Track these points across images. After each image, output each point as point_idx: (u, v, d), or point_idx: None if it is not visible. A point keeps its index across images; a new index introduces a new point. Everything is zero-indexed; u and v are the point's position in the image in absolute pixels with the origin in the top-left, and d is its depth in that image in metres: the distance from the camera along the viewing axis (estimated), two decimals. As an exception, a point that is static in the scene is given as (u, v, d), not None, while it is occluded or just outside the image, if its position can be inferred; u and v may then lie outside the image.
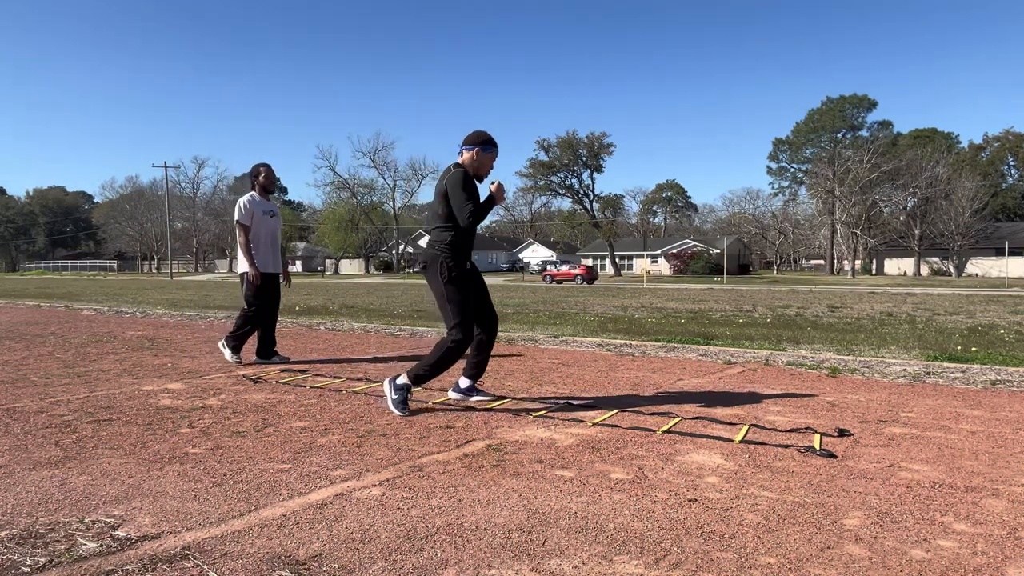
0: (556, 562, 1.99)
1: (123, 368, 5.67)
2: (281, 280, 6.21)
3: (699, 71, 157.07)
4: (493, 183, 3.94)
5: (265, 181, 6.02)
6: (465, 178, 3.83)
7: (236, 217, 5.82)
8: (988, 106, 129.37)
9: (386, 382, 4.00)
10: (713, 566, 1.96)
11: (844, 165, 56.46)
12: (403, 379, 3.93)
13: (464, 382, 4.24)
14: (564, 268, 46.66)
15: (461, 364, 4.37)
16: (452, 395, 4.30)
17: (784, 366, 5.81)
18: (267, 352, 6.02)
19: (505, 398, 4.38)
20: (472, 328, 3.96)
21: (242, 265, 5.85)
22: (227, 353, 5.94)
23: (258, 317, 5.92)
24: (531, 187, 67.56)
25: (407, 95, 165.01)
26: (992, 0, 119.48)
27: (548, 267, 51.21)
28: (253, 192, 5.99)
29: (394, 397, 3.89)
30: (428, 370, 3.92)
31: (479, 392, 4.31)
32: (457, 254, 3.93)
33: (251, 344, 6.25)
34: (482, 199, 3.95)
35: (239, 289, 5.93)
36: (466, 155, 3.98)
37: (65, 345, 7.30)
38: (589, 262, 68.75)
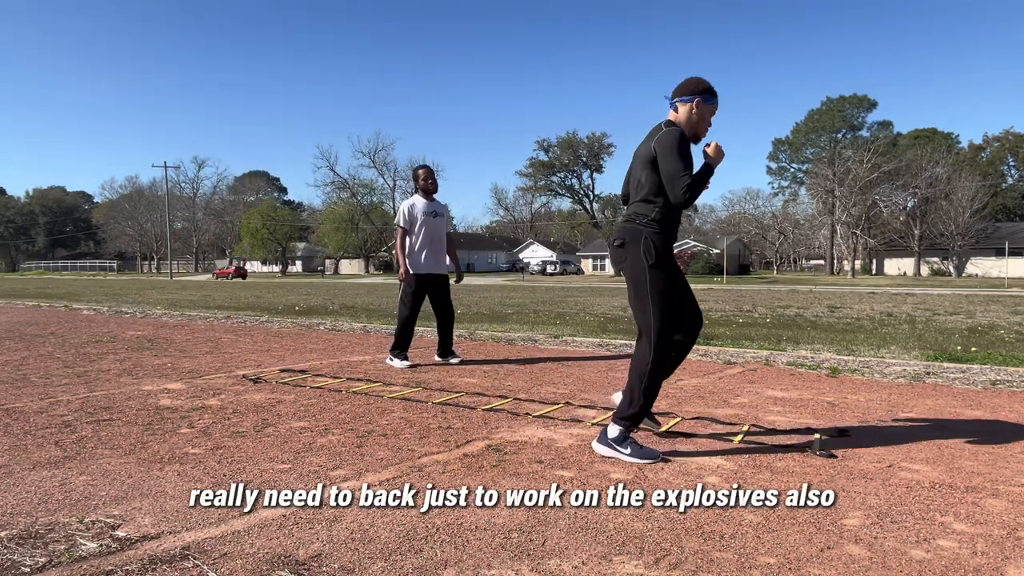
0: (556, 562, 1.99)
1: (123, 368, 5.67)
2: (452, 280, 6.24)
3: (699, 71, 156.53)
4: (709, 144, 3.10)
5: (424, 183, 5.93)
6: (681, 140, 2.99)
7: (396, 219, 5.91)
8: (988, 106, 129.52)
9: (597, 444, 3.12)
10: (713, 566, 1.96)
11: (844, 165, 56.48)
12: (615, 431, 3.04)
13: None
14: (223, 267, 46.77)
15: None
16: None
17: (784, 366, 5.81)
18: (445, 351, 6.03)
19: (507, 398, 4.38)
20: (672, 332, 3.12)
21: (400, 269, 5.88)
22: (396, 363, 5.80)
23: (411, 319, 5.86)
24: (531, 187, 67.59)
25: (407, 95, 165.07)
26: (992, 0, 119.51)
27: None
28: (416, 195, 5.97)
29: (627, 452, 2.99)
30: (642, 403, 3.02)
31: (649, 418, 3.41)
32: (665, 232, 3.10)
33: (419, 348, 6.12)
34: (695, 169, 3.07)
35: (397, 290, 5.97)
36: (682, 109, 3.12)
37: (65, 345, 7.30)
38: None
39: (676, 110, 3.14)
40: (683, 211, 3.14)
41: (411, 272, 5.82)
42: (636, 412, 3.02)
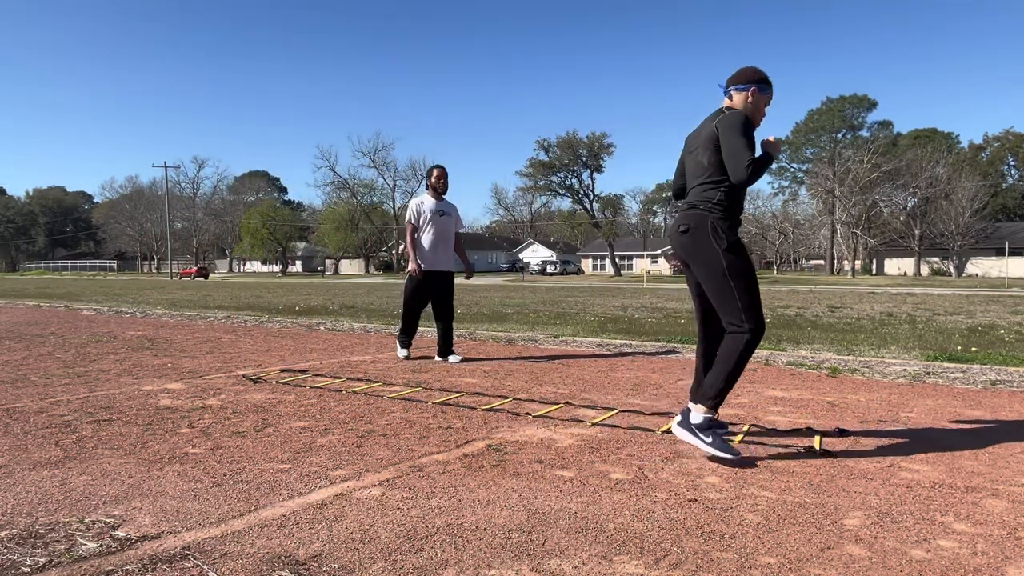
0: (556, 562, 1.99)
1: (123, 368, 5.67)
2: (464, 276, 6.50)
3: (699, 71, 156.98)
4: (768, 138, 3.09)
5: (436, 182, 6.10)
6: (745, 122, 2.95)
7: (406, 218, 6.10)
8: (988, 106, 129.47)
9: (677, 428, 3.06)
10: (713, 566, 1.96)
11: (844, 165, 56.47)
12: (698, 416, 2.99)
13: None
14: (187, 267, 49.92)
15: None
16: (677, 430, 3.15)
17: (784, 366, 5.81)
18: (445, 351, 6.11)
19: (507, 398, 4.38)
20: (762, 311, 3.01)
21: (410, 263, 6.08)
22: (399, 351, 6.21)
23: (416, 308, 6.10)
24: (531, 187, 67.55)
25: (407, 95, 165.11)
26: (992, 0, 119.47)
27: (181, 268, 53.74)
28: (426, 193, 6.16)
29: (708, 441, 2.94)
30: (725, 383, 2.98)
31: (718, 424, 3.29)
32: (731, 216, 3.03)
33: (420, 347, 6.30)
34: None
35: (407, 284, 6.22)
36: (737, 97, 3.13)
37: (65, 345, 7.30)
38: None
39: (731, 98, 3.14)
40: (745, 191, 3.10)
41: (421, 266, 6.01)
42: (719, 394, 2.98)
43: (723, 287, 2.97)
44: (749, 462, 2.98)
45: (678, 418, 3.12)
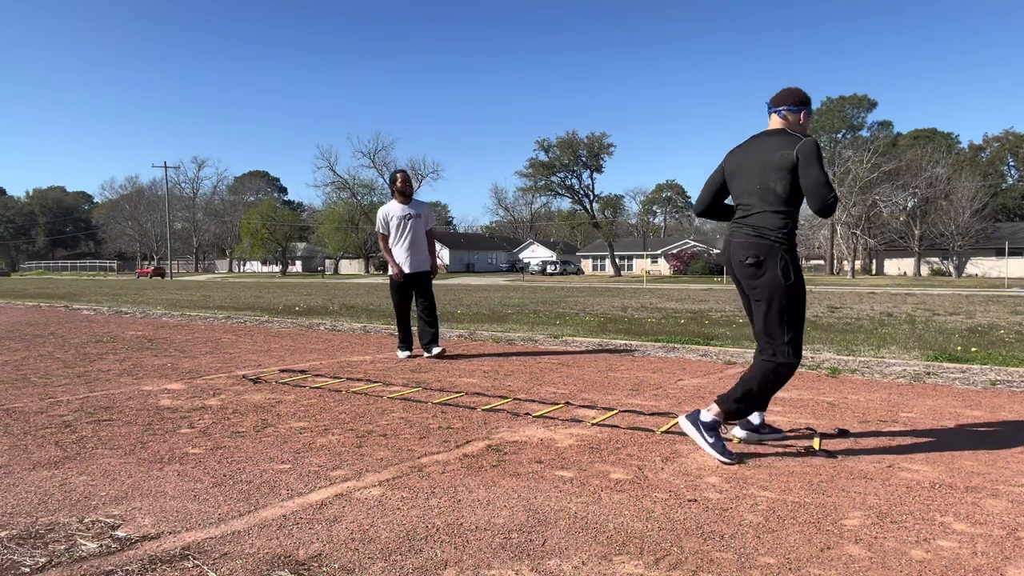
0: (556, 562, 1.99)
1: (123, 368, 5.67)
2: (432, 275, 6.57)
3: (699, 71, 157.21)
4: None
5: (402, 186, 6.28)
6: (820, 150, 2.97)
7: (376, 227, 6.35)
8: (988, 106, 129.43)
9: (685, 420, 3.13)
10: (713, 566, 1.96)
11: (844, 165, 56.43)
12: (709, 415, 3.05)
13: (757, 417, 3.33)
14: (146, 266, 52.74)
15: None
16: (739, 434, 3.33)
17: (784, 366, 5.80)
18: (428, 346, 6.26)
19: (507, 398, 4.38)
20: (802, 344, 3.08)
21: (391, 268, 6.30)
22: (399, 354, 6.30)
23: (405, 313, 6.35)
24: (531, 187, 67.50)
25: (407, 95, 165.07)
26: (992, 0, 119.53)
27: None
28: (393, 200, 6.34)
29: (710, 441, 3.01)
30: (745, 402, 3.03)
31: (771, 429, 3.39)
32: (794, 247, 3.05)
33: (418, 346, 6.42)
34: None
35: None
36: (792, 118, 3.14)
37: (65, 345, 7.30)
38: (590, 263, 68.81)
39: (786, 118, 3.15)
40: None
41: (403, 269, 6.22)
42: (737, 409, 3.03)
43: (775, 320, 3.01)
44: (743, 460, 2.98)
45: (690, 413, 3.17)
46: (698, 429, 3.04)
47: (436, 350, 6.19)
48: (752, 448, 3.21)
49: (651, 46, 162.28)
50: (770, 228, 3.02)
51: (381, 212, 6.30)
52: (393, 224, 6.27)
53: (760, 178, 3.06)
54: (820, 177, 2.90)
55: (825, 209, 2.92)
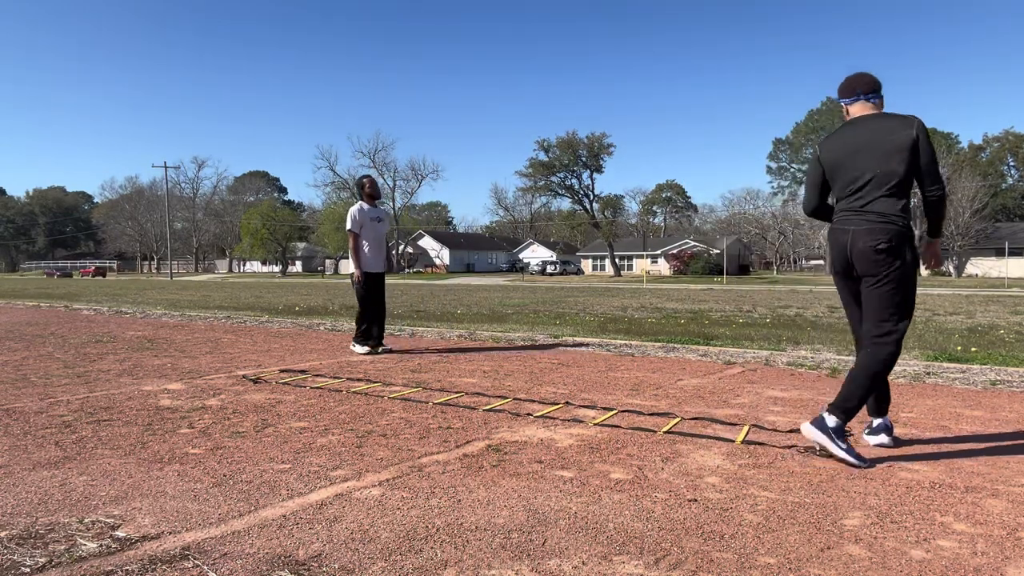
0: (556, 562, 1.99)
1: (123, 368, 5.67)
2: (386, 274, 6.93)
3: (699, 71, 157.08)
4: None
5: (370, 190, 6.75)
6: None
7: (347, 226, 6.63)
8: (988, 106, 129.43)
9: (810, 428, 3.03)
10: (713, 566, 1.96)
11: (844, 165, 56.42)
12: (833, 419, 2.98)
13: (879, 421, 3.28)
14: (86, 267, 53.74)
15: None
16: (872, 440, 3.25)
17: (784, 366, 5.81)
18: (378, 342, 6.64)
19: (507, 398, 4.38)
20: None
21: (351, 267, 6.61)
22: (358, 348, 6.57)
23: (369, 311, 6.61)
24: (531, 187, 67.49)
25: (407, 95, 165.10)
26: (993, 0, 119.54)
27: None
28: (362, 202, 6.72)
29: (844, 447, 2.94)
30: (864, 390, 3.01)
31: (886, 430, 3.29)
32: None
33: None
34: None
35: (351, 288, 6.77)
36: (880, 104, 3.14)
37: (65, 345, 7.31)
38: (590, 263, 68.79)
39: (876, 105, 3.14)
40: None
41: (363, 272, 6.59)
42: (856, 405, 2.99)
43: (899, 304, 2.98)
44: (875, 464, 2.93)
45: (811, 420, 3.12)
46: (828, 435, 2.97)
47: (382, 350, 6.62)
48: (752, 448, 3.21)
49: (651, 46, 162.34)
50: (895, 214, 2.95)
51: (354, 210, 6.60)
52: (364, 224, 6.63)
53: (880, 162, 2.97)
54: (936, 164, 2.94)
55: (939, 195, 2.94)
